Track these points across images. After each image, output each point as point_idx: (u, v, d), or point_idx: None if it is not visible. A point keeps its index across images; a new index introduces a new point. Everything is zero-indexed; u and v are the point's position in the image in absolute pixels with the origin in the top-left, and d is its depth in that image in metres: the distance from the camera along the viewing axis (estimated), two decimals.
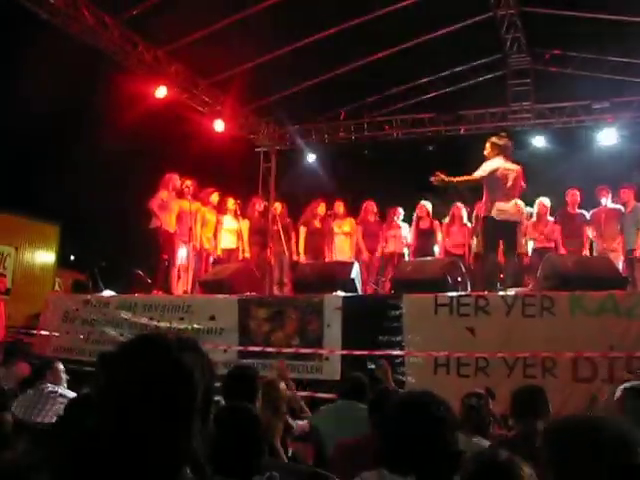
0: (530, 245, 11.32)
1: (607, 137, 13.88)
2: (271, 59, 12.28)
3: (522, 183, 9.01)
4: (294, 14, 10.94)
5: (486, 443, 4.42)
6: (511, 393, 4.55)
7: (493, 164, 8.88)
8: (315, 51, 12.05)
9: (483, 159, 9.11)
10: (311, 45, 12.03)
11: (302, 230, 11.73)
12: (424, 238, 11.26)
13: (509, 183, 8.80)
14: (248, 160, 15.66)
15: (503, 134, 9.43)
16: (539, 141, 14.40)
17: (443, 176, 8.78)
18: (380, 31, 11.58)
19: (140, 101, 11.98)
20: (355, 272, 9.17)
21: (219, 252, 11.83)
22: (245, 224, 12.12)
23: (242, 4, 10.85)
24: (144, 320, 9.23)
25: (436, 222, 11.49)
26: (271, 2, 10.71)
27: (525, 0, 12.72)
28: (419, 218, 11.47)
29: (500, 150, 9.00)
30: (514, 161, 9.15)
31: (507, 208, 8.74)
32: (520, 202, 9.01)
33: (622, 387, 4.23)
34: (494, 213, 8.76)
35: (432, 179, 8.81)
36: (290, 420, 5.19)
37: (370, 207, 11.72)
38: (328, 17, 11.43)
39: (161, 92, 12.12)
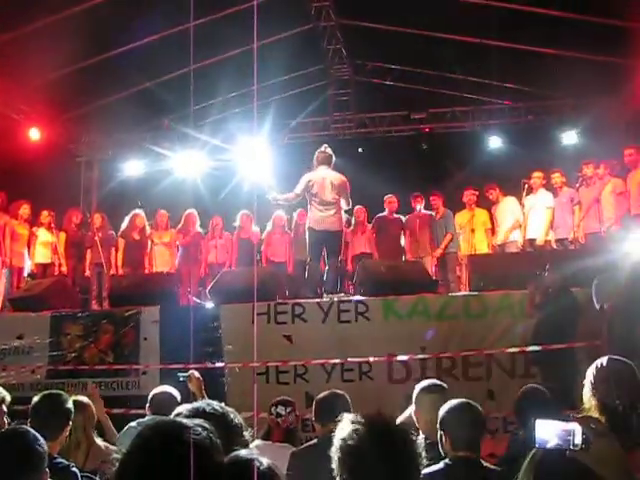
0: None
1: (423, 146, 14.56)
2: (91, 64, 11.82)
3: (346, 193, 9.13)
4: (115, 18, 10.61)
5: (290, 449, 4.44)
6: (315, 400, 4.57)
7: (308, 176, 9.01)
8: (134, 59, 11.75)
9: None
10: (131, 52, 11.73)
11: (121, 242, 11.34)
12: (245, 247, 11.18)
13: (326, 193, 8.91)
14: (67, 170, 14.97)
15: (325, 145, 9.55)
16: (360, 150, 14.83)
17: (274, 194, 9.08)
18: (204, 39, 11.43)
19: None
20: (173, 283, 8.97)
21: (32, 267, 11.21)
22: (61, 237, 11.56)
23: (60, 5, 10.35)
24: None
25: (257, 231, 11.45)
26: (89, 4, 10.31)
27: (343, 13, 13.06)
28: (241, 228, 11.40)
29: (321, 161, 9.14)
30: (338, 170, 9.28)
31: (324, 218, 8.86)
32: (341, 211, 9.14)
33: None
34: (312, 224, 8.89)
35: (268, 197, 9.04)
36: (99, 441, 4.95)
37: (191, 217, 11.49)
38: (150, 22, 11.18)
39: None
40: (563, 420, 2.32)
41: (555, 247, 10.51)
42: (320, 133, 14.79)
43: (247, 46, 11.65)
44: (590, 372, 3.43)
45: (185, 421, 1.95)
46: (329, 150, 9.29)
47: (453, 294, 9.11)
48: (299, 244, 10.06)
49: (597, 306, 6.46)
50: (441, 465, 3.50)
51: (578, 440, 2.22)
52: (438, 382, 4.38)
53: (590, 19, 10.68)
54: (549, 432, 2.24)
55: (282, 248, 11.29)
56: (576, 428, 2.24)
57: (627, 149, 10.10)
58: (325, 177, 8.98)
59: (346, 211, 9.74)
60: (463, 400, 3.70)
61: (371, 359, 7.42)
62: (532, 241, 10.65)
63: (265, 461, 2.05)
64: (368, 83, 14.89)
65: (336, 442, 2.20)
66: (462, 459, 3.52)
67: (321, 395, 4.56)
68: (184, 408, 2.54)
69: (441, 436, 3.58)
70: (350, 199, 9.21)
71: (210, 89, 13.11)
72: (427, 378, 7.05)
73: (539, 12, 11.10)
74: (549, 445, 2.22)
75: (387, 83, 14.57)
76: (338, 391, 4.57)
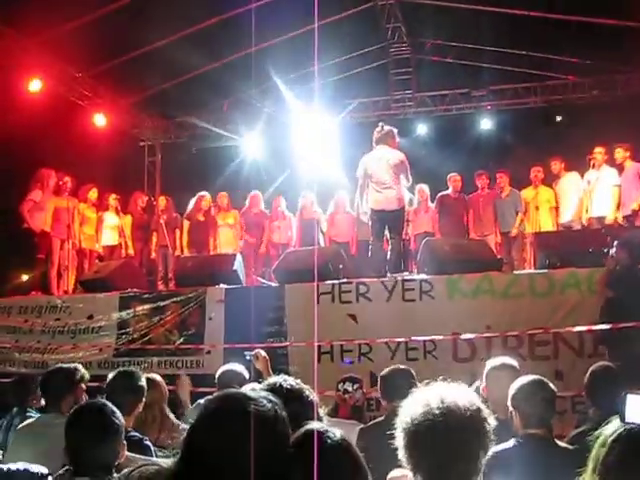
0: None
1: (486, 124, 14.31)
2: (151, 50, 11.96)
3: (405, 170, 9.04)
4: (174, 5, 10.71)
5: (358, 426, 4.45)
6: (380, 377, 4.56)
7: (365, 158, 8.97)
8: (195, 43, 11.83)
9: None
10: (191, 36, 11.81)
11: (185, 224, 11.51)
12: (308, 228, 11.22)
13: (383, 173, 8.84)
14: (131, 155, 15.25)
15: (381, 124, 9.47)
16: (422, 129, 14.68)
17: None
18: (264, 20, 11.44)
19: (12, 95, 11.41)
20: (238, 264, 9.05)
21: (100, 249, 11.48)
22: (127, 220, 11.83)
23: None
24: (18, 322, 8.85)
25: (319, 211, 11.47)
26: None
27: None
28: (303, 208, 11.44)
29: (377, 140, 9.07)
30: (398, 149, 9.20)
31: (382, 198, 8.81)
32: (400, 189, 9.06)
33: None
34: (372, 204, 8.85)
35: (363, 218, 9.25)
36: (172, 417, 5.05)
37: (255, 199, 11.59)
38: (204, 9, 11.27)
39: (35, 85, 11.63)
40: None
41: (623, 224, 10.25)
42: (381, 112, 14.69)
43: (307, 27, 11.64)
44: None
45: (250, 393, 1.97)
46: (386, 127, 9.21)
47: (519, 272, 8.97)
48: (362, 224, 10.04)
49: None
50: (511, 443, 3.46)
51: None
52: (509, 360, 4.31)
53: None
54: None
55: (345, 228, 11.29)
56: None
57: None
58: (381, 157, 8.91)
59: (409, 190, 9.68)
60: (535, 377, 3.67)
61: (436, 338, 7.38)
62: (600, 219, 10.41)
63: (338, 433, 2.07)
64: (428, 61, 14.70)
65: (401, 421, 2.15)
66: (534, 437, 3.49)
67: (385, 371, 4.57)
68: (259, 385, 2.58)
69: (511, 413, 3.56)
70: (410, 177, 9.11)
71: (270, 70, 13.12)
72: (493, 357, 7.10)
73: None
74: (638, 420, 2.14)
75: (447, 61, 14.36)
76: (402, 366, 4.60)
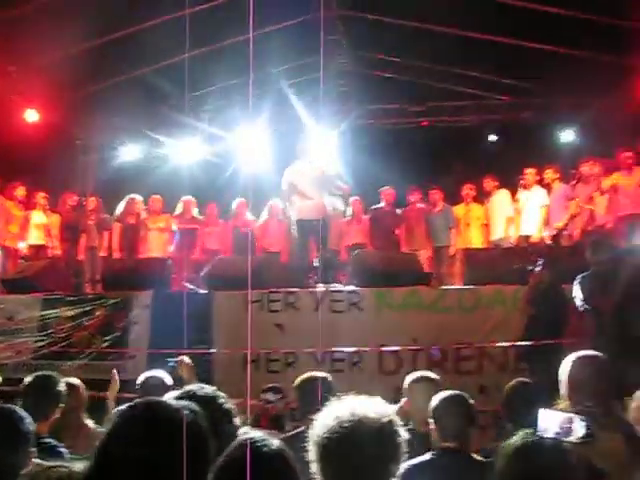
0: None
1: (422, 140, 14.50)
2: (93, 47, 11.71)
3: (329, 180, 9.12)
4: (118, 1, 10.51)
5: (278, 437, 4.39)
6: (294, 386, 4.53)
7: (288, 170, 9.08)
8: (137, 43, 11.64)
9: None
10: (135, 35, 11.62)
11: (116, 226, 11.31)
12: (241, 235, 11.13)
13: (305, 184, 8.92)
14: (65, 153, 14.86)
15: (305, 135, 9.65)
16: (358, 142, 14.76)
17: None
18: (204, 25, 11.33)
19: None
20: (167, 269, 8.94)
21: (25, 249, 11.18)
22: (55, 219, 11.53)
23: None
24: None
25: (252, 219, 11.42)
26: None
27: (345, 4, 12.97)
28: (236, 215, 11.37)
29: (301, 151, 9.23)
30: (327, 159, 9.31)
31: (305, 208, 8.87)
32: (326, 199, 9.12)
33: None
34: (296, 214, 8.92)
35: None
36: (90, 423, 4.94)
37: (188, 204, 11.46)
38: (145, 11, 11.09)
39: None
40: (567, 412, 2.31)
41: (549, 244, 10.52)
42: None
43: (245, 35, 11.58)
44: (564, 369, 3.38)
45: (171, 402, 1.94)
46: (312, 138, 9.35)
47: (447, 287, 9.13)
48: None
49: (579, 304, 6.50)
50: (427, 456, 3.51)
51: (580, 432, 2.20)
52: (429, 374, 4.40)
53: (591, 17, 10.62)
54: (551, 422, 2.22)
55: (278, 237, 11.26)
56: (578, 420, 2.22)
57: (623, 152, 10.08)
58: (303, 168, 9.02)
59: (344, 200, 9.79)
60: (455, 392, 3.75)
61: (361, 349, 7.42)
62: (527, 237, 10.68)
63: (276, 442, 2.05)
64: (367, 75, 14.80)
65: (313, 434, 2.14)
66: (449, 450, 3.53)
67: (299, 380, 4.50)
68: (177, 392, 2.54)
69: (431, 427, 3.60)
70: (343, 185, 9.19)
71: (210, 77, 13.01)
72: (418, 370, 7.18)
73: (541, 9, 11.01)
74: (549, 434, 2.20)
75: (386, 75, 14.49)
76: (318, 374, 4.52)
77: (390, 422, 2.15)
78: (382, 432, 2.10)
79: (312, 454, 2.12)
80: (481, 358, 7.71)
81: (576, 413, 2.97)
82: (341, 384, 4.51)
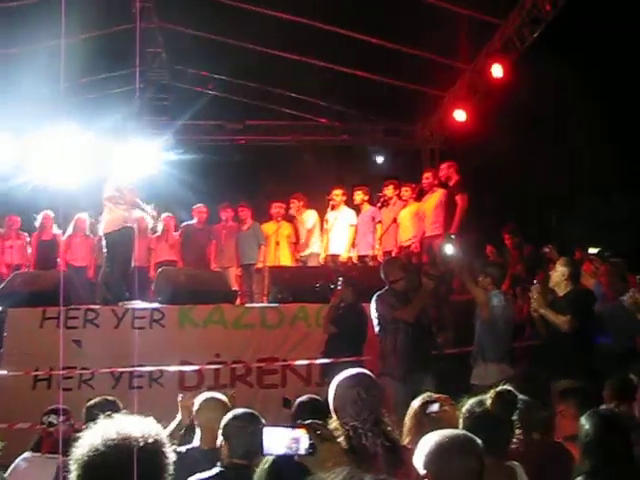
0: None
1: (238, 157, 14.62)
2: None
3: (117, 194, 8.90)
4: None
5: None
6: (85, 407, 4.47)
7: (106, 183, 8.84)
8: None
9: None
10: None
11: None
12: (45, 249, 10.70)
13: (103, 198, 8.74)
14: None
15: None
16: (173, 157, 14.59)
17: None
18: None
19: None
20: None
21: None
22: None
23: None
24: None
25: (59, 233, 10.96)
26: None
27: (166, 17, 12.81)
28: (41, 228, 10.87)
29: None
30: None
31: (111, 222, 8.66)
32: (111, 214, 8.83)
33: None
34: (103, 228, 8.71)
35: None
36: None
37: None
38: None
39: None
40: (291, 427, 2.42)
41: (356, 263, 10.88)
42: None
43: (58, 39, 11.11)
44: (331, 389, 3.42)
45: None
46: (125, 153, 9.19)
47: (250, 305, 9.34)
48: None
49: (374, 321, 6.82)
50: (214, 471, 3.61)
51: (305, 446, 2.32)
52: (219, 395, 4.50)
53: (405, 50, 11.20)
54: (277, 440, 2.32)
55: (83, 252, 10.89)
56: (302, 435, 2.34)
57: (425, 172, 10.70)
58: (112, 181, 8.83)
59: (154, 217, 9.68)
60: (246, 410, 3.85)
61: (162, 367, 7.35)
62: (334, 256, 10.97)
63: None
64: (186, 90, 14.71)
65: (75, 453, 2.08)
66: (236, 466, 3.60)
67: (90, 402, 4.55)
68: None
69: (221, 444, 3.65)
70: (131, 201, 8.86)
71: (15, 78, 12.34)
72: (221, 385, 7.28)
73: (358, 37, 11.39)
74: (277, 452, 2.30)
75: (206, 91, 14.47)
76: (109, 397, 4.62)
77: (155, 441, 2.13)
78: (146, 451, 2.08)
79: (73, 475, 2.07)
80: (285, 372, 7.96)
81: (344, 429, 3.14)
82: (141, 401, 4.48)
